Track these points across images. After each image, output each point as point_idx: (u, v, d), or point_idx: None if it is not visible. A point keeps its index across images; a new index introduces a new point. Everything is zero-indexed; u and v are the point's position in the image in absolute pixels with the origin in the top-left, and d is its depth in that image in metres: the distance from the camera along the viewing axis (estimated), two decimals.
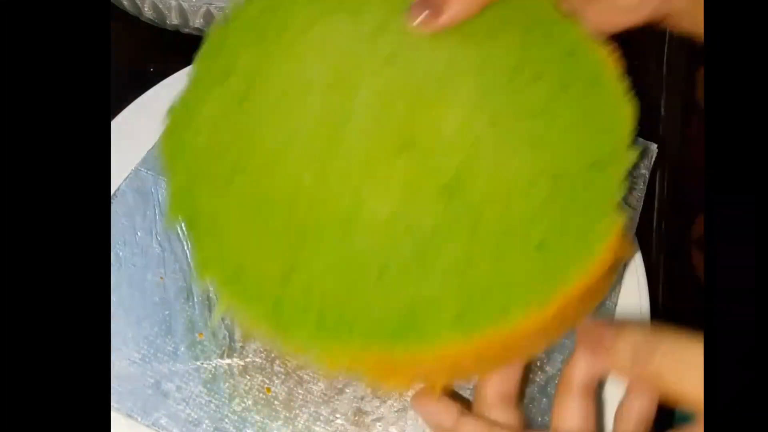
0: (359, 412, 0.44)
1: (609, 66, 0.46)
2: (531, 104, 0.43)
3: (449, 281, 0.38)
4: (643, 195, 0.53)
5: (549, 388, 0.44)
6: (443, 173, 0.40)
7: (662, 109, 0.67)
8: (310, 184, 0.40)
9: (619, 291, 0.49)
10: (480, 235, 0.39)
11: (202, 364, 0.43)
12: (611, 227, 0.40)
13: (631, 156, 0.43)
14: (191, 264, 0.41)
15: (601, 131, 0.43)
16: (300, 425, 0.43)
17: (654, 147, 0.56)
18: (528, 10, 0.47)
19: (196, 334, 0.45)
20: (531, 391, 0.44)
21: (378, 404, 0.44)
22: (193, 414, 0.42)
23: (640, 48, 0.72)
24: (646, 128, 0.65)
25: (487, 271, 0.38)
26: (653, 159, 0.55)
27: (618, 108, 0.45)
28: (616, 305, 0.48)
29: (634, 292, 0.50)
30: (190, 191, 0.40)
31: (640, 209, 0.52)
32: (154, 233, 0.48)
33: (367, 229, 0.39)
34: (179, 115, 0.42)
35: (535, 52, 0.45)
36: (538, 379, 0.45)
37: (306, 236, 0.39)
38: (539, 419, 0.43)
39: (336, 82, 0.43)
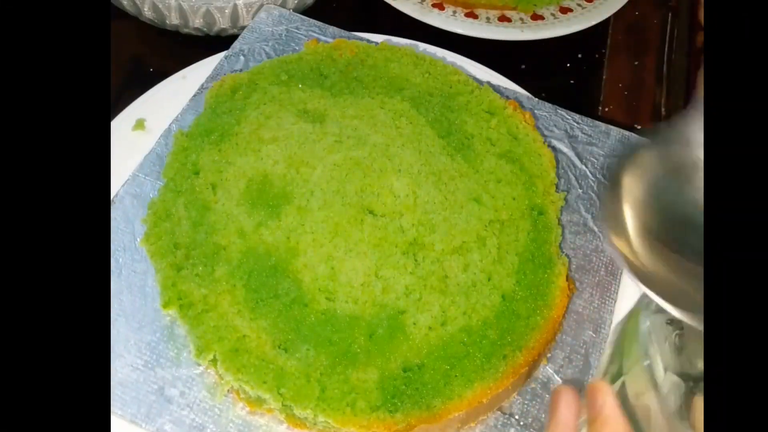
0: None
1: (525, 120, 0.53)
2: (467, 163, 0.50)
3: (432, 341, 0.43)
4: None
5: (551, 385, 0.45)
6: (405, 234, 0.46)
7: (663, 109, 0.67)
8: (287, 257, 0.45)
9: (619, 291, 0.49)
10: (450, 289, 0.44)
11: (206, 368, 0.43)
12: (560, 271, 0.46)
13: (561, 197, 0.50)
14: (190, 348, 0.43)
15: (531, 178, 0.50)
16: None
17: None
18: (447, 81, 0.55)
19: None
20: (534, 388, 0.44)
21: None
22: (197, 419, 0.42)
23: (640, 48, 0.72)
24: (646, 128, 0.66)
25: (462, 327, 0.43)
26: None
27: (540, 156, 0.52)
28: (615, 302, 0.48)
29: (634, 292, 0.50)
30: (178, 282, 0.43)
31: None
32: None
33: (347, 294, 0.44)
34: (159, 208, 0.47)
35: (460, 117, 0.53)
36: (540, 377, 0.45)
37: (293, 306, 0.43)
38: (543, 416, 0.43)
39: (294, 164, 0.48)
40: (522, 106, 0.55)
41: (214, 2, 0.62)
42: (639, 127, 0.66)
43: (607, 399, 0.33)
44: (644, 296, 0.33)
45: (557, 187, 0.51)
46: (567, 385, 0.37)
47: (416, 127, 0.51)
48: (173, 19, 0.63)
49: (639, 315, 0.33)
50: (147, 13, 0.64)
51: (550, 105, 0.58)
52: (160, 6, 0.62)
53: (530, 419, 0.43)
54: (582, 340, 0.46)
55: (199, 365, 0.43)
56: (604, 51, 0.72)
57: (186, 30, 0.65)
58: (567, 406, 0.35)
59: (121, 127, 0.55)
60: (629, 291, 0.50)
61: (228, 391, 0.42)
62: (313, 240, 0.45)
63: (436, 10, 0.69)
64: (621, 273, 0.50)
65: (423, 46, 0.61)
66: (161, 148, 0.52)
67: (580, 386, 0.44)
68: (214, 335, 0.41)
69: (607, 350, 0.38)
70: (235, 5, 0.62)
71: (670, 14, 0.76)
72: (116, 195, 0.50)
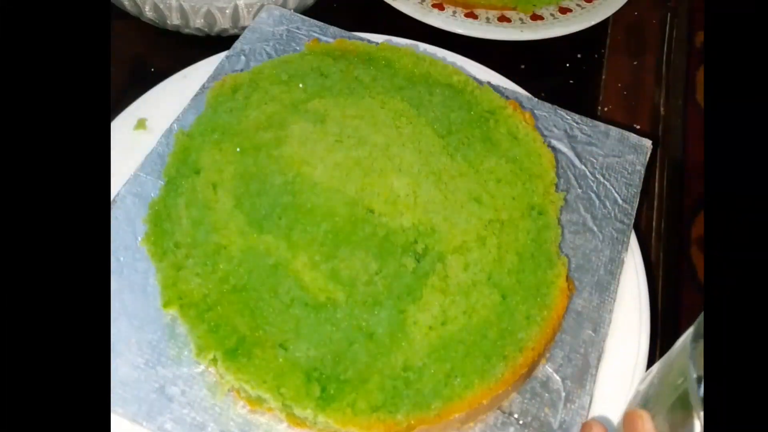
0: None
1: (525, 120, 0.53)
2: (467, 163, 0.50)
3: (432, 340, 0.42)
4: (639, 191, 0.54)
5: (550, 384, 0.45)
6: (405, 233, 0.46)
7: (662, 109, 0.67)
8: (287, 258, 0.44)
9: (619, 291, 0.49)
10: (450, 289, 0.44)
11: (206, 367, 0.43)
12: (559, 271, 0.46)
13: (561, 197, 0.50)
14: (190, 347, 0.42)
15: (531, 177, 0.50)
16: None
17: (648, 143, 0.56)
18: (447, 81, 0.55)
19: None
20: (533, 387, 0.45)
21: None
22: (198, 418, 0.42)
23: (639, 48, 0.72)
24: (646, 128, 0.66)
25: (462, 326, 0.43)
26: (648, 155, 0.56)
27: (540, 156, 0.52)
28: (614, 301, 0.48)
29: (634, 292, 0.50)
30: (178, 281, 0.43)
31: (636, 205, 0.53)
32: None
33: (348, 294, 0.43)
34: (159, 208, 0.47)
35: (460, 116, 0.53)
36: (539, 375, 0.45)
37: (293, 306, 0.43)
38: (542, 414, 0.43)
39: (295, 163, 0.48)
40: (522, 106, 0.55)
41: (215, 2, 0.62)
42: (638, 127, 0.66)
43: (646, 425, 0.35)
44: (693, 345, 0.34)
45: (557, 187, 0.51)
46: (595, 420, 0.40)
47: (416, 127, 0.51)
48: (174, 20, 0.64)
49: (687, 368, 0.34)
50: (148, 13, 0.64)
51: (549, 105, 0.58)
52: (161, 6, 0.62)
53: (530, 418, 0.43)
54: (581, 340, 0.46)
55: (200, 364, 0.43)
56: (603, 51, 0.73)
57: (187, 30, 0.65)
58: None
59: (122, 126, 0.55)
60: (629, 291, 0.50)
61: (228, 390, 0.42)
62: (314, 239, 0.45)
63: (436, 10, 0.69)
64: (620, 272, 0.50)
65: (423, 46, 0.61)
66: (162, 147, 0.52)
67: (580, 385, 0.45)
68: (214, 335, 0.42)
69: (644, 385, 0.38)
70: (236, 5, 0.62)
71: (669, 14, 0.77)
72: (117, 194, 0.50)
